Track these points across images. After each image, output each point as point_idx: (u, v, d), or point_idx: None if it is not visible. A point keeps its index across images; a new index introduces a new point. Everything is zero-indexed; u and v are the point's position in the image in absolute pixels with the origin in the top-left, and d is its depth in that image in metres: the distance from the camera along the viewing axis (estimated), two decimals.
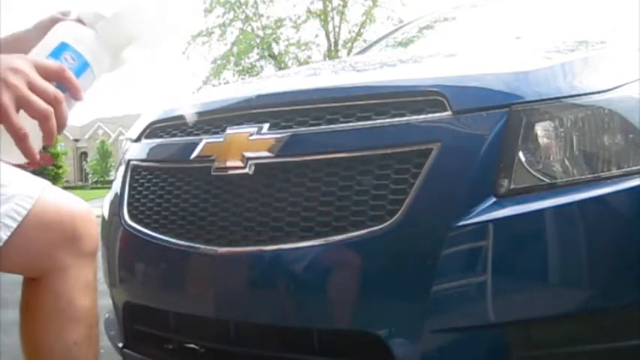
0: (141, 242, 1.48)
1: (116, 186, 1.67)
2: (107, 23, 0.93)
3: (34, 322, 1.20)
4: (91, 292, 1.22)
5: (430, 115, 1.18)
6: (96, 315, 1.24)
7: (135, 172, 1.59)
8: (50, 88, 0.79)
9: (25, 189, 1.13)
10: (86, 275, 1.20)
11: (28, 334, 1.21)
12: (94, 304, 1.23)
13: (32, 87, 0.77)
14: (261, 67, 18.15)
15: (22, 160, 0.85)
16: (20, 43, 1.01)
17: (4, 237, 1.10)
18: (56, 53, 0.86)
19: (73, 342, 1.18)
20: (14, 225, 1.11)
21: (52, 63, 0.82)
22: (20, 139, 0.77)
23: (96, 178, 48.76)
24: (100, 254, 1.34)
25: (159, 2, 0.97)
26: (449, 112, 1.17)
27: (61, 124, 0.80)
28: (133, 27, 0.94)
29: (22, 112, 0.78)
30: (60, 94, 0.80)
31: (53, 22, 1.01)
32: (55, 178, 28.78)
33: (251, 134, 1.31)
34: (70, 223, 1.18)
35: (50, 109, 0.78)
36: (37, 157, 0.80)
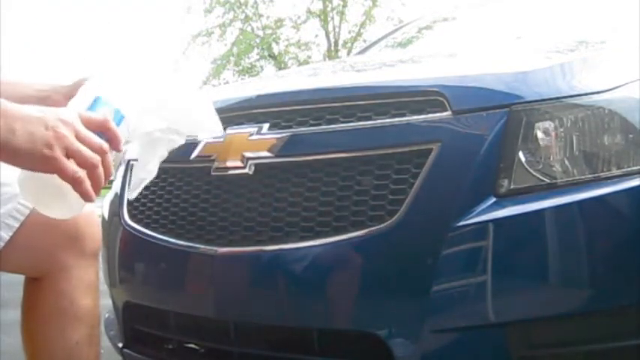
0: (141, 242, 1.48)
1: (116, 186, 1.67)
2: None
3: (35, 321, 1.20)
4: (93, 292, 1.22)
5: (430, 115, 1.18)
6: (98, 315, 1.24)
7: None
8: (96, 138, 0.82)
9: None
10: (88, 275, 1.20)
11: (30, 333, 1.21)
12: (96, 304, 1.23)
13: (79, 138, 0.80)
14: (261, 67, 18.15)
15: (70, 214, 0.89)
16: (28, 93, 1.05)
17: (6, 237, 1.11)
18: (93, 107, 0.89)
19: (74, 342, 1.18)
20: (16, 225, 1.11)
21: (96, 115, 0.85)
22: (78, 183, 0.81)
23: None
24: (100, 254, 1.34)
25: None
26: (449, 112, 1.17)
27: (107, 174, 0.84)
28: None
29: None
30: (105, 144, 0.84)
31: (75, 85, 1.04)
32: None
33: (251, 134, 1.31)
34: (73, 223, 1.18)
35: (98, 157, 0.81)
36: (94, 196, 0.83)
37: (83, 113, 0.83)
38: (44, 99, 1.06)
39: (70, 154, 0.79)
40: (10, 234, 1.10)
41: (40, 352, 1.19)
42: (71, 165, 0.79)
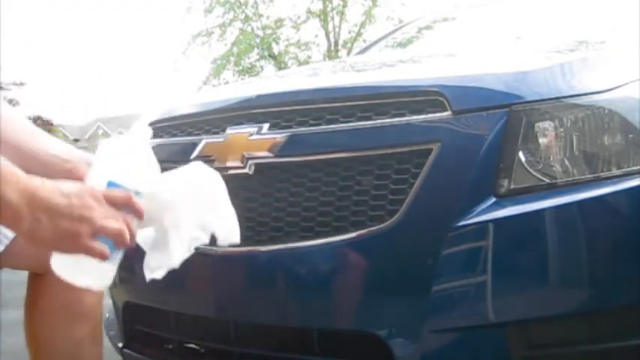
0: None
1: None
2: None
3: (39, 317, 1.20)
4: (94, 296, 1.22)
5: (430, 115, 1.18)
6: (101, 313, 1.24)
7: None
8: (119, 215, 0.89)
9: None
10: None
11: (33, 329, 1.22)
12: (99, 303, 1.23)
13: (105, 215, 0.87)
14: (261, 67, 18.13)
15: (103, 282, 0.97)
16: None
17: (11, 235, 1.11)
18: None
19: (78, 338, 1.18)
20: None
21: (119, 193, 0.91)
22: (103, 258, 0.89)
23: None
24: None
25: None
26: (449, 112, 1.17)
27: (133, 238, 0.92)
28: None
29: None
30: (128, 218, 0.91)
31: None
32: None
33: (251, 134, 1.31)
34: None
35: (123, 228, 0.88)
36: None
37: (107, 193, 0.89)
38: (70, 170, 1.11)
39: (97, 232, 0.85)
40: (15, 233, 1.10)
41: (43, 348, 1.20)
42: (98, 245, 0.86)
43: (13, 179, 0.82)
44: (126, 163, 0.96)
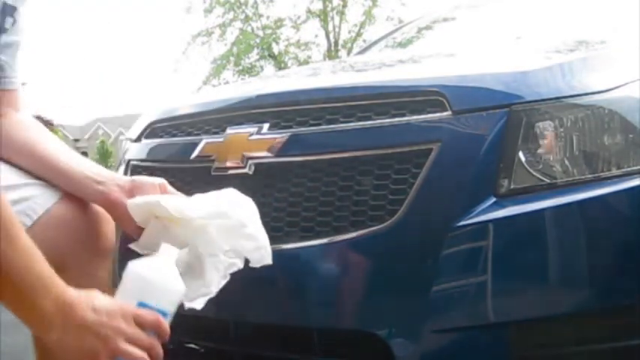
0: None
1: None
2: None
3: None
4: (104, 290, 1.23)
5: (430, 115, 1.18)
6: None
7: (135, 172, 1.59)
8: (146, 339, 0.92)
9: (45, 189, 1.16)
10: (101, 273, 1.22)
11: None
12: None
13: (130, 340, 0.91)
14: (261, 67, 18.14)
15: None
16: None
17: None
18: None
19: None
20: (29, 223, 1.12)
21: (149, 315, 0.94)
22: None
23: None
24: None
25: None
26: (449, 112, 1.17)
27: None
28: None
29: None
30: (154, 341, 0.94)
31: (135, 184, 1.16)
32: None
33: (251, 134, 1.31)
34: (88, 221, 1.19)
35: (142, 355, 0.91)
36: None
37: (137, 313, 0.93)
38: (102, 193, 1.15)
39: (117, 354, 0.89)
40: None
41: (48, 348, 1.20)
42: None
43: (51, 289, 0.85)
44: (154, 283, 0.99)
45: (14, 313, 0.84)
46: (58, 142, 1.22)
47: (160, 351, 0.95)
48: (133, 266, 1.01)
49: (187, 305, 1.05)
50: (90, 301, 0.89)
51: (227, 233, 1.08)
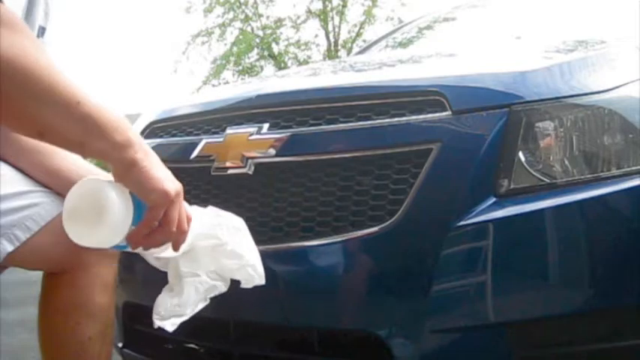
0: None
1: None
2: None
3: (52, 314, 1.23)
4: (110, 291, 1.25)
5: (430, 115, 1.18)
6: (112, 314, 1.27)
7: None
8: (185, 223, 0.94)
9: (54, 197, 1.17)
10: (106, 274, 1.24)
11: (45, 326, 1.24)
12: (110, 303, 1.26)
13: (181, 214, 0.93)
14: (261, 67, 18.15)
15: (103, 243, 0.93)
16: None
17: (24, 238, 1.13)
18: None
19: (87, 337, 1.21)
20: (35, 228, 1.14)
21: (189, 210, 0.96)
22: (180, 232, 0.94)
23: None
24: None
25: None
26: (449, 112, 1.17)
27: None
28: None
29: None
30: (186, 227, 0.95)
31: None
32: None
33: (251, 134, 1.31)
34: None
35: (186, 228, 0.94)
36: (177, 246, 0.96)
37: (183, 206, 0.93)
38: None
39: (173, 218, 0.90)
40: (28, 235, 1.13)
41: (54, 345, 1.22)
42: (183, 209, 0.91)
43: (126, 122, 0.85)
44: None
45: (97, 153, 0.83)
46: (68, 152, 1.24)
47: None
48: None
49: (158, 324, 1.03)
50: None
51: (211, 253, 1.05)
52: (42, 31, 1.11)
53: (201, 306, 1.06)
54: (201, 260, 1.04)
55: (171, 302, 1.04)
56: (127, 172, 0.85)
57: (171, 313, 1.03)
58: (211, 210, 1.07)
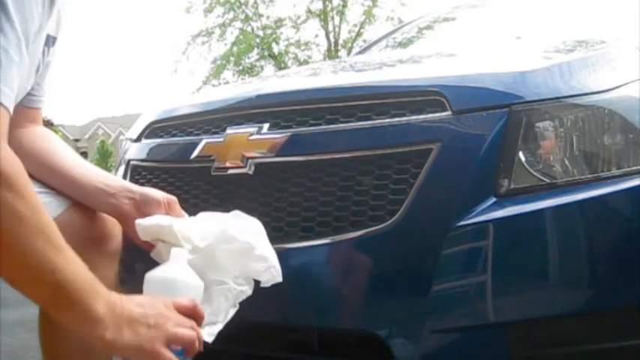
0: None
1: None
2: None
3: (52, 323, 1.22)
4: (113, 290, 1.25)
5: (430, 115, 1.18)
6: None
7: (135, 172, 1.59)
8: (188, 322, 0.97)
9: (56, 198, 1.17)
10: (109, 275, 1.24)
11: (45, 326, 1.24)
12: None
13: (177, 324, 0.96)
14: (261, 67, 18.16)
15: None
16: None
17: None
18: None
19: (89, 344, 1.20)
20: None
21: (185, 301, 0.98)
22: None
23: None
24: None
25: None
26: (449, 112, 1.17)
27: (201, 344, 1.00)
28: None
29: None
30: (194, 323, 0.98)
31: (144, 198, 1.19)
32: None
33: (251, 134, 1.31)
34: (98, 223, 1.21)
35: (194, 334, 0.97)
36: None
37: (177, 302, 0.97)
38: (111, 205, 1.19)
39: (171, 340, 0.93)
40: None
41: (56, 346, 1.22)
42: (170, 354, 0.93)
43: (99, 292, 0.89)
44: (176, 281, 1.02)
45: (67, 323, 0.88)
46: (73, 153, 1.26)
47: (201, 334, 1.00)
48: (152, 274, 1.04)
49: (206, 339, 1.06)
50: (130, 299, 0.94)
51: (235, 257, 1.08)
52: (53, 41, 1.12)
53: (232, 312, 1.10)
54: (225, 267, 1.08)
55: (209, 316, 1.07)
56: (102, 348, 0.90)
57: (204, 322, 1.05)
58: (234, 213, 1.11)
